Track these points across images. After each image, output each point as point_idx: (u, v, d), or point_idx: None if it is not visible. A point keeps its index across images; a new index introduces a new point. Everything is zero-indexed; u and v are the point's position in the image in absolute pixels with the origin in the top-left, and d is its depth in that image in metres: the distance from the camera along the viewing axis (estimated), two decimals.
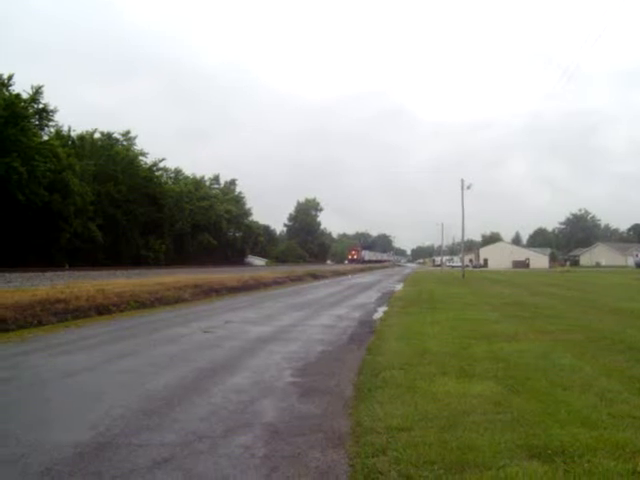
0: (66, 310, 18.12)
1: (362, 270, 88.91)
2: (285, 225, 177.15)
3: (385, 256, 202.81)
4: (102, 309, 19.63)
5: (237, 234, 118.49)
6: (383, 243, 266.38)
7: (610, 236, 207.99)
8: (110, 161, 71.35)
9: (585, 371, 9.62)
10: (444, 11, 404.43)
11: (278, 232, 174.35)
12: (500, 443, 5.89)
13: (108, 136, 76.05)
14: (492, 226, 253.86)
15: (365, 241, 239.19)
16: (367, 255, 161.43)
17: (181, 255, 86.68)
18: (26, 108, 54.45)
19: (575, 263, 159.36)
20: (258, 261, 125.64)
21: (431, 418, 6.82)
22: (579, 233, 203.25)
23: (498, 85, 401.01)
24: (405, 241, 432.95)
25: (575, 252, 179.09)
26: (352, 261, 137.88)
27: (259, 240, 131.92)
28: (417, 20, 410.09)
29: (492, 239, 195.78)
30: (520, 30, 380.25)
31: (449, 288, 39.60)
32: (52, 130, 61.45)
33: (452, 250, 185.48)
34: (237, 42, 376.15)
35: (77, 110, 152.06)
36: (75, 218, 57.05)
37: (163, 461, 5.63)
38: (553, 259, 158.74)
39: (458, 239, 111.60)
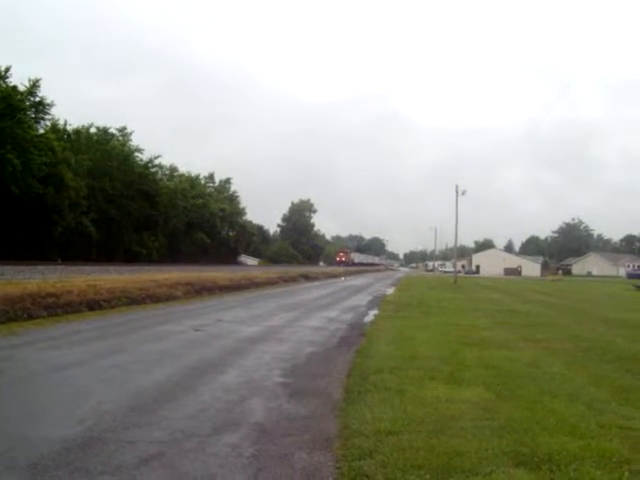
0: (57, 304, 18.05)
1: (354, 273, 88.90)
2: (279, 226, 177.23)
3: (377, 259, 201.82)
4: (93, 304, 19.56)
5: (231, 233, 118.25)
6: (376, 246, 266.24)
7: (603, 246, 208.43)
8: (105, 156, 71.16)
9: (574, 380, 9.66)
10: (444, 18, 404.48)
11: (271, 232, 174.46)
12: (487, 449, 5.90)
13: (104, 131, 75.80)
14: (485, 233, 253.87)
15: (358, 244, 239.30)
16: (357, 258, 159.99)
17: (174, 253, 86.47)
18: (22, 101, 54.27)
19: (567, 272, 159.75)
20: (251, 261, 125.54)
21: (419, 422, 6.82)
22: (572, 242, 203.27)
23: (495, 93, 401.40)
24: (398, 245, 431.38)
25: (567, 261, 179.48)
26: (340, 263, 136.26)
27: (252, 240, 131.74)
28: (417, 26, 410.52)
29: (485, 246, 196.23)
30: (519, 40, 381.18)
31: (441, 293, 39.65)
32: (48, 123, 61.22)
33: (445, 255, 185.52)
34: (236, 41, 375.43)
35: (73, 104, 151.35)
36: (69, 212, 56.89)
37: (150, 458, 5.62)
38: (545, 267, 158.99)
39: (451, 244, 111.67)
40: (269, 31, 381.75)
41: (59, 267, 38.18)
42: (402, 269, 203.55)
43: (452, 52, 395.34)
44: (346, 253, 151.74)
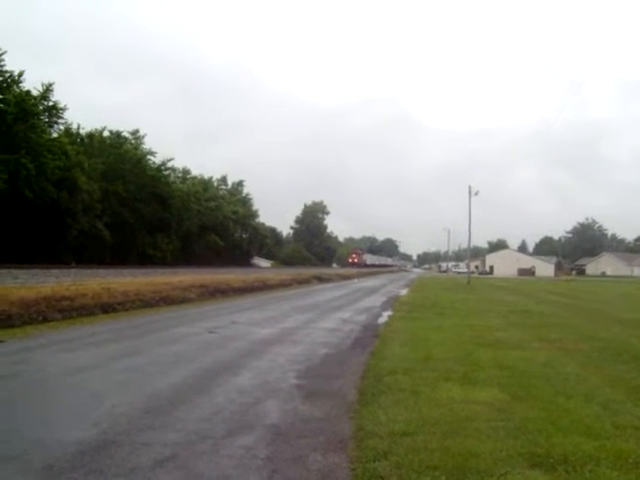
0: (71, 307, 18.17)
1: (367, 274, 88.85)
2: (291, 228, 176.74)
3: (390, 260, 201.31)
4: (107, 307, 19.68)
5: (244, 235, 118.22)
6: (389, 248, 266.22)
7: (617, 246, 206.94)
8: (118, 160, 71.26)
9: (589, 380, 9.60)
10: (454, 20, 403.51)
11: (284, 235, 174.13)
12: (502, 450, 5.88)
13: (117, 135, 75.92)
14: (498, 233, 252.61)
15: (371, 245, 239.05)
16: (369, 259, 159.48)
17: (188, 255, 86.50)
18: (36, 105, 54.43)
19: (581, 272, 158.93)
20: (264, 263, 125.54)
21: (434, 424, 6.80)
22: (585, 242, 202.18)
23: (505, 94, 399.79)
24: (411, 246, 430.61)
25: (581, 261, 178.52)
26: (353, 265, 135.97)
27: (265, 242, 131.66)
28: (427, 28, 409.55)
29: (498, 246, 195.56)
30: (529, 39, 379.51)
31: (454, 294, 39.52)
32: (61, 128, 61.19)
33: (458, 256, 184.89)
34: (246, 45, 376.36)
35: (86, 109, 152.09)
36: (82, 216, 57.04)
37: (165, 460, 5.64)
38: (559, 268, 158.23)
39: (464, 245, 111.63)
40: (277, 36, 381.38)
41: (73, 270, 38.35)
42: (415, 270, 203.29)
43: (462, 53, 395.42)
44: (358, 254, 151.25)
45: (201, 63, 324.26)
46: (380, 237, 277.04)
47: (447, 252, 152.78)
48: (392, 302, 30.00)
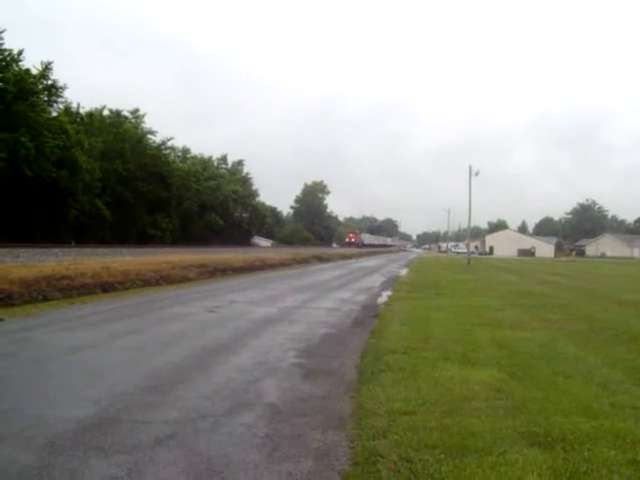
0: (71, 287, 18.17)
1: (367, 254, 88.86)
2: (292, 207, 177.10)
3: (389, 240, 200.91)
4: (107, 286, 19.68)
5: (244, 215, 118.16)
6: (389, 228, 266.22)
7: (617, 227, 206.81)
8: (118, 139, 71.19)
9: (588, 361, 9.62)
10: (453, 2, 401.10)
11: (285, 214, 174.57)
12: (501, 429, 5.90)
13: (117, 114, 75.85)
14: (499, 214, 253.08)
15: (371, 225, 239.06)
16: (368, 239, 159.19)
17: (188, 234, 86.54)
18: (35, 84, 54.34)
19: (581, 253, 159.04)
20: (264, 242, 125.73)
21: (433, 403, 6.82)
22: (586, 223, 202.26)
23: (507, 76, 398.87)
24: (411, 226, 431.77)
25: (581, 242, 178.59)
26: (350, 244, 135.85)
27: (265, 221, 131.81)
28: (426, 11, 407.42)
29: (498, 227, 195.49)
30: (531, 23, 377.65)
31: (454, 274, 39.55)
32: (61, 106, 61.18)
33: (458, 236, 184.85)
34: (247, 26, 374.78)
35: (86, 88, 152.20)
36: (82, 195, 57.04)
37: (166, 438, 5.66)
38: (559, 248, 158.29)
39: (464, 226, 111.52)
40: (278, 19, 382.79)
41: (73, 250, 38.36)
42: (415, 250, 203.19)
43: (462, 34, 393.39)
44: (355, 234, 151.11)
45: (204, 42, 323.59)
46: (380, 217, 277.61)
47: (447, 232, 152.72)
48: (392, 282, 30.03)
